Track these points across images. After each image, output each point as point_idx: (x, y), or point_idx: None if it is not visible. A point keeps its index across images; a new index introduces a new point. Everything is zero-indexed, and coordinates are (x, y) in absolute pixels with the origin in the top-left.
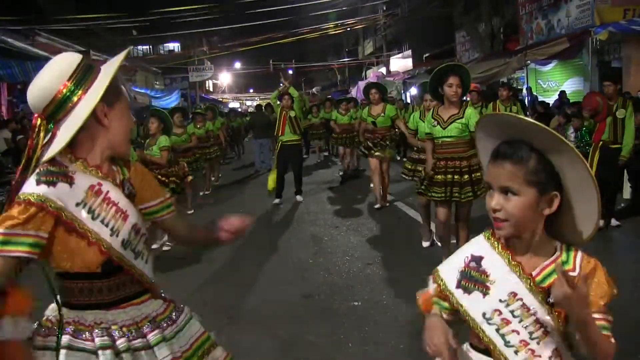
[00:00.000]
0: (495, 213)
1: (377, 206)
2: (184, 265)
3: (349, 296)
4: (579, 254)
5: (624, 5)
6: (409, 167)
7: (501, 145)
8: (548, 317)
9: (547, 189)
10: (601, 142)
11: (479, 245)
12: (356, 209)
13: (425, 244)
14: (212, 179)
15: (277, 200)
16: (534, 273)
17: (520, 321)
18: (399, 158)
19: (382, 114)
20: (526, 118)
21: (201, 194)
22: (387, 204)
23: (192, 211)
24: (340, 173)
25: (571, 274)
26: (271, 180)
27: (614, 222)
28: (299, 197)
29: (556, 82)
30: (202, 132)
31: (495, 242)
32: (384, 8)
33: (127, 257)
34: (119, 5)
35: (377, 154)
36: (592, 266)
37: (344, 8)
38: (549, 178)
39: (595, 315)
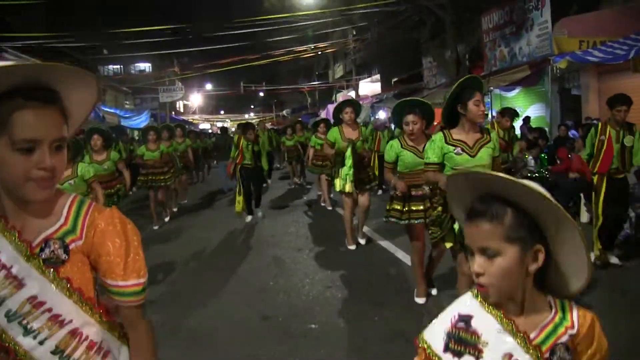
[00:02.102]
0: (479, 278)
1: (352, 247)
2: None
3: (307, 318)
4: (574, 308)
5: (579, 37)
6: (398, 207)
7: (474, 203)
8: None
9: (530, 244)
10: (606, 173)
11: (466, 303)
12: (320, 232)
13: (421, 300)
14: (168, 211)
15: (249, 218)
16: (532, 335)
17: None
18: (380, 192)
19: (361, 138)
20: (497, 174)
21: (155, 228)
22: (364, 241)
23: None
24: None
25: (570, 332)
26: (238, 202)
27: (614, 260)
28: (259, 213)
29: (520, 108)
30: (155, 155)
31: (485, 300)
32: (354, 33)
33: (10, 332)
34: (90, 24)
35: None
36: (590, 321)
37: (315, 32)
38: (530, 231)
39: None
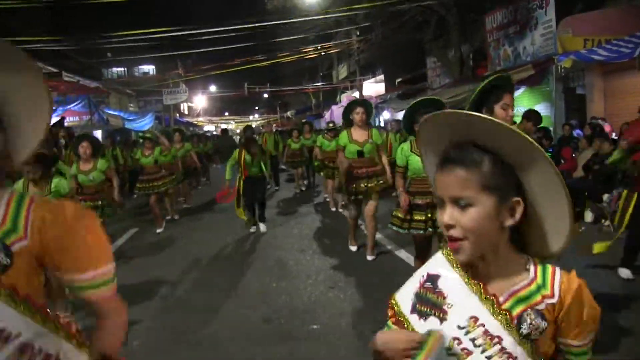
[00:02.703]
0: (449, 230)
1: (353, 248)
2: (145, 288)
3: (309, 319)
4: (557, 273)
5: (584, 36)
6: (402, 216)
7: (449, 149)
8: (518, 347)
9: (508, 195)
10: None
11: (436, 262)
12: (323, 234)
13: None
14: (168, 217)
15: (253, 229)
16: (501, 298)
17: (483, 351)
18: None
19: (370, 140)
20: (479, 114)
21: (158, 231)
22: (375, 256)
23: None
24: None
25: (549, 301)
26: (240, 213)
27: (625, 273)
28: (262, 226)
29: (525, 108)
30: (150, 161)
31: (454, 259)
32: (358, 33)
33: None
34: (93, 27)
35: (363, 197)
36: (575, 289)
37: (319, 32)
38: (508, 182)
39: (579, 343)
